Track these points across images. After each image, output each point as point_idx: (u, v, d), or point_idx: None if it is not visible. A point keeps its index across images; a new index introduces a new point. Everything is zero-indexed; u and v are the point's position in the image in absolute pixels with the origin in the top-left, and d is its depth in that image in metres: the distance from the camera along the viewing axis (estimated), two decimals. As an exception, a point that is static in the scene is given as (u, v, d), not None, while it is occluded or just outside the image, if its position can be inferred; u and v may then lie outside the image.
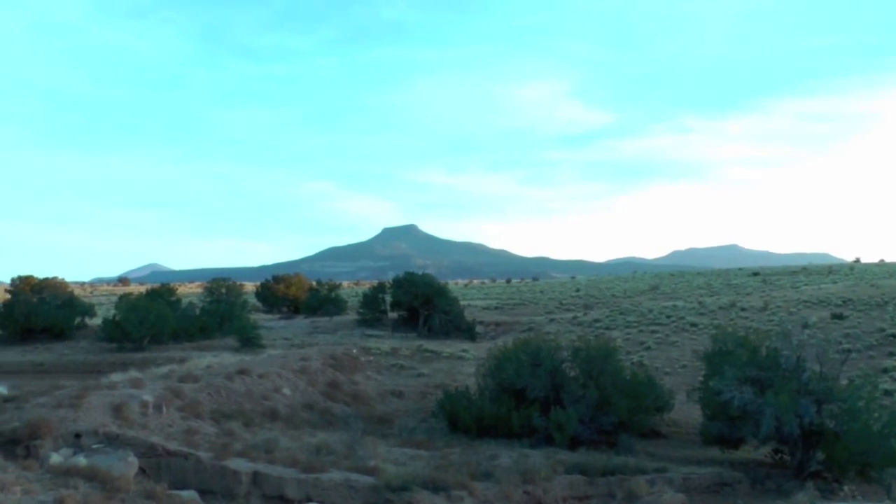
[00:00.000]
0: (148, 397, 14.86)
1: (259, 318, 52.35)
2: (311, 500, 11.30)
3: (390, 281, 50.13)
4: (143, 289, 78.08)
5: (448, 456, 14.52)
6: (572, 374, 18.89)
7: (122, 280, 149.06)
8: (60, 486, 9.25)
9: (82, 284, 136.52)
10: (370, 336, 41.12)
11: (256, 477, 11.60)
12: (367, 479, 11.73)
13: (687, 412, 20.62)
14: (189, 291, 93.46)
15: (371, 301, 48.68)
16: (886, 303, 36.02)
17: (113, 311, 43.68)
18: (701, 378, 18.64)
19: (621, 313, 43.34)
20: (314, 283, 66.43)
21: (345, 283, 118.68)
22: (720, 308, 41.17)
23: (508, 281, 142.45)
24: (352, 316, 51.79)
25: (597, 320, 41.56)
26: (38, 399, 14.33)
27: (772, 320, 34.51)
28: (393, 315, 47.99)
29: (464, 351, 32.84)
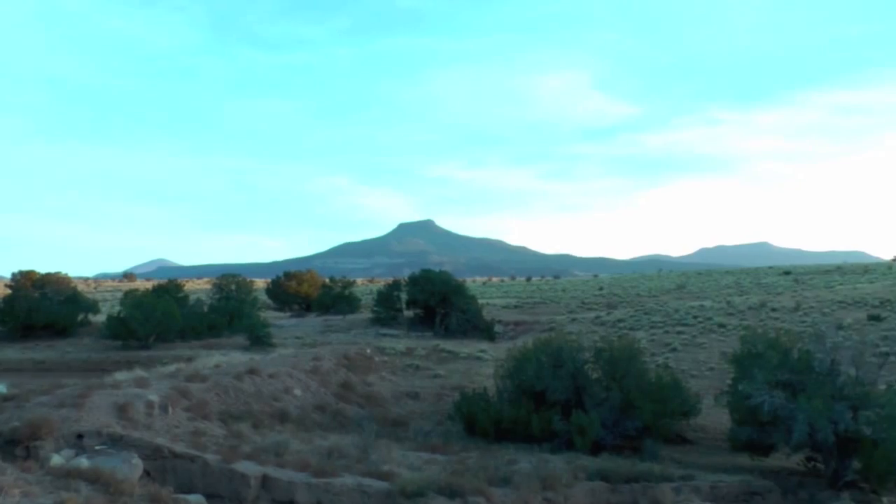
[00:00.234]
0: (153, 397, 14.87)
1: (269, 315, 52.62)
2: (321, 506, 11.26)
3: (406, 278, 50.18)
4: (149, 285, 78.75)
5: (465, 460, 14.44)
6: (595, 376, 18.79)
7: (128, 276, 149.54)
8: (61, 489, 9.21)
9: (86, 280, 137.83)
10: (385, 335, 41.13)
11: (265, 481, 11.57)
12: (380, 485, 11.67)
13: (714, 417, 20.45)
14: (197, 288, 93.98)
15: (386, 299, 48.71)
16: (926, 304, 35.58)
17: (118, 308, 43.97)
18: (729, 381, 18.44)
19: (646, 313, 43.20)
20: (327, 280, 66.60)
21: (359, 281, 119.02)
22: (749, 308, 40.93)
23: (528, 279, 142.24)
24: (366, 314, 51.88)
25: (620, 320, 41.44)
26: (39, 398, 14.31)
27: (804, 322, 34.25)
28: (408, 314, 48.02)
29: (482, 351, 32.80)
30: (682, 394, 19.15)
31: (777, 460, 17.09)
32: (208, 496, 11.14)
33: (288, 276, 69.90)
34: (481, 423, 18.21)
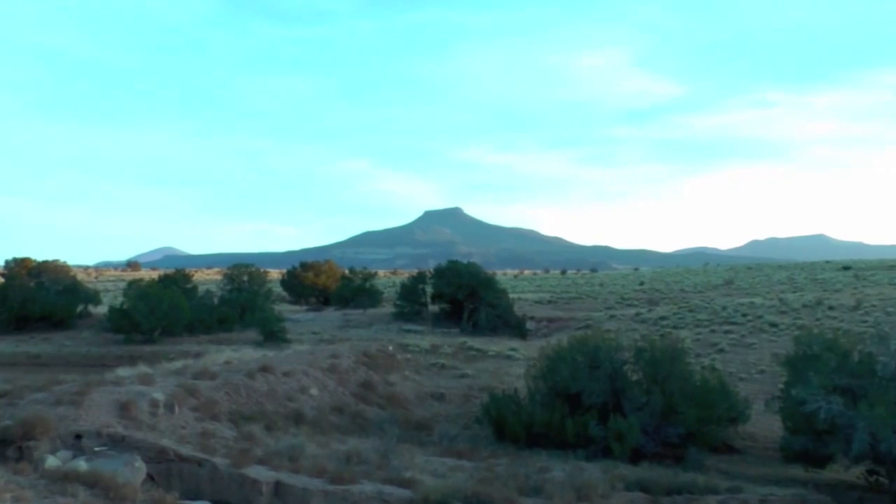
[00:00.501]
0: (158, 395, 14.94)
1: (284, 309, 52.83)
2: (338, 515, 11.24)
3: (431, 270, 50.15)
4: (155, 274, 79.46)
5: (493, 467, 14.38)
6: (634, 377, 18.69)
7: (132, 264, 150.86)
8: (57, 494, 9.20)
9: (86, 269, 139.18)
10: (408, 331, 41.15)
11: (278, 487, 11.56)
12: (402, 493, 11.63)
13: (765, 424, 20.26)
14: (206, 278, 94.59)
15: (410, 292, 48.72)
16: None
17: (120, 299, 44.34)
18: (782, 385, 18.24)
19: (691, 310, 42.96)
20: (346, 272, 66.67)
21: (381, 272, 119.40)
22: (804, 306, 40.58)
23: (563, 272, 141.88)
24: (388, 309, 51.95)
25: (663, 318, 41.27)
26: (34, 395, 14.40)
27: (865, 321, 33.88)
28: (434, 308, 47.99)
29: (512, 350, 32.72)
30: (729, 398, 18.97)
31: (834, 473, 16.87)
32: (216, 503, 11.16)
33: (304, 266, 70.09)
34: (511, 427, 18.15)
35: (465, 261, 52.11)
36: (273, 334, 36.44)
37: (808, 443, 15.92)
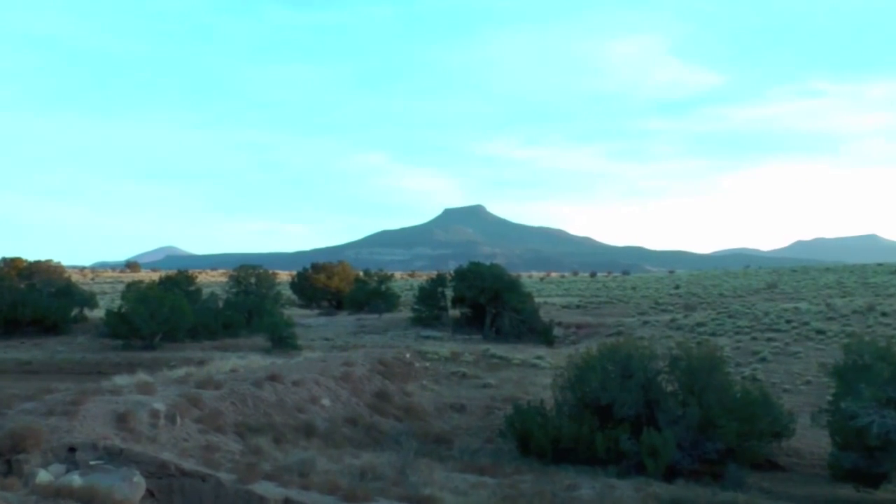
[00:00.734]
0: (159, 406, 14.95)
1: (294, 313, 53.11)
2: (352, 534, 11.21)
3: (452, 272, 50.21)
4: (155, 276, 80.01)
5: (517, 484, 14.33)
6: (669, 388, 18.62)
7: (131, 265, 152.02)
8: (49, 511, 9.24)
9: (82, 269, 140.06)
10: (427, 338, 41.22)
11: (287, 504, 11.55)
12: (419, 511, 11.60)
13: (811, 439, 20.13)
14: (211, 280, 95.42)
15: (428, 296, 48.81)
16: None
17: (118, 302, 44.62)
18: (830, 398, 18.12)
19: (730, 316, 42.87)
20: (361, 274, 66.92)
21: (397, 274, 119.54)
22: (854, 312, 40.35)
23: (593, 275, 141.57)
24: (405, 313, 52.08)
25: (700, 324, 41.17)
26: (25, 404, 14.43)
27: (921, 328, 33.56)
28: (454, 313, 48.05)
29: (538, 358, 32.69)
30: (772, 411, 18.85)
31: (888, 493, 16.70)
32: (221, 520, 11.15)
33: (316, 268, 70.39)
34: (537, 440, 18.08)
35: (487, 262, 52.18)
36: (282, 340, 36.56)
37: (860, 460, 15.77)
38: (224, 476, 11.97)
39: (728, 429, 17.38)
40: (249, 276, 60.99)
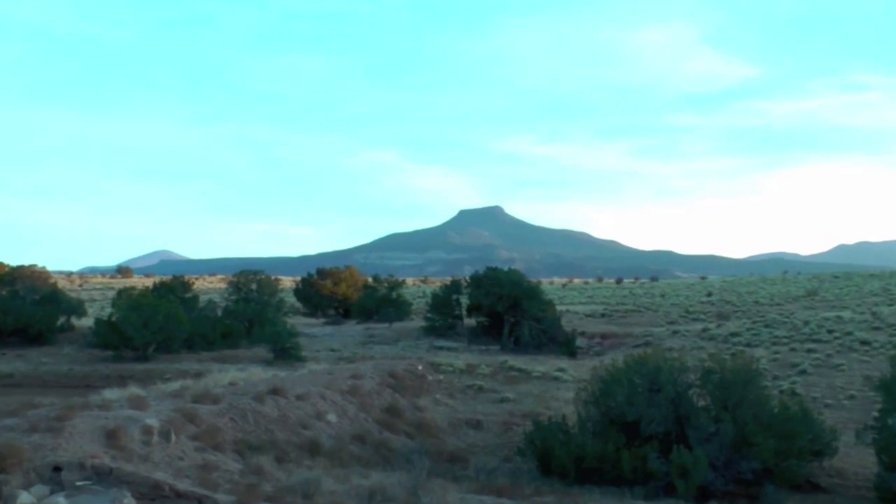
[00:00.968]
0: (152, 421, 14.98)
1: (298, 322, 53.18)
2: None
3: (467, 278, 50.24)
4: (149, 282, 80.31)
5: (537, 506, 14.31)
6: (701, 403, 18.55)
7: (123, 270, 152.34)
8: (31, 535, 9.26)
9: (69, 275, 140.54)
10: (440, 348, 41.24)
11: (290, 527, 11.57)
12: (431, 535, 11.60)
13: (856, 458, 20.00)
14: (209, 287, 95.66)
15: (442, 304, 48.82)
16: None
17: (109, 310, 44.71)
18: (876, 413, 18.03)
19: (767, 326, 42.75)
20: (370, 280, 66.98)
21: (409, 280, 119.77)
22: (902, 321, 40.05)
23: (619, 281, 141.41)
24: (417, 322, 52.11)
25: (734, 334, 41.09)
26: (6, 420, 14.47)
27: (974, 338, 33.39)
28: (470, 322, 48.05)
29: (560, 370, 32.65)
30: (813, 428, 18.75)
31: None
32: (219, 545, 11.17)
33: (322, 273, 70.54)
34: (559, 459, 18.06)
35: (505, 267, 52.15)
36: (285, 351, 36.62)
37: (908, 481, 15.70)
38: (222, 497, 11.99)
39: (765, 447, 17.31)
40: (250, 282, 61.08)
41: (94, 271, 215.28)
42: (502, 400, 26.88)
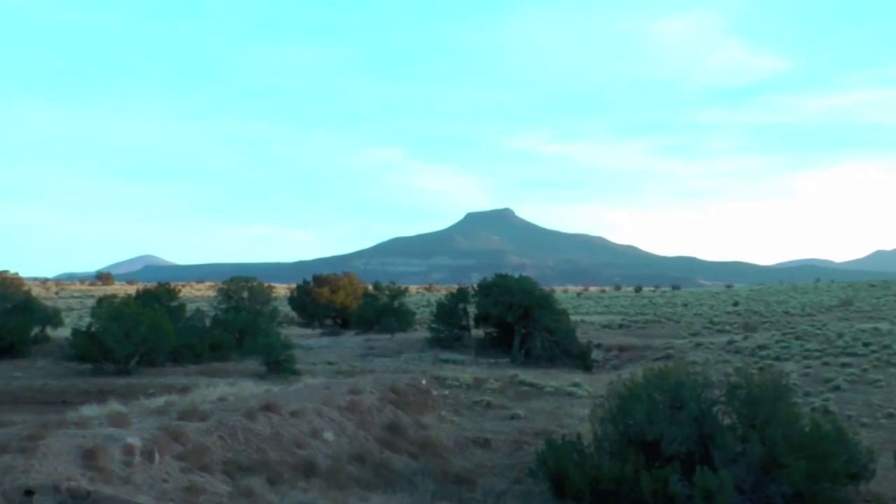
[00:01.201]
0: (134, 440, 14.94)
1: (293, 333, 53.24)
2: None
3: (475, 286, 50.24)
4: (132, 289, 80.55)
5: (549, 532, 14.31)
6: (727, 421, 18.49)
7: (103, 276, 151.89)
8: (1, 565, 9.26)
9: (45, 282, 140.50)
10: (446, 361, 41.25)
11: (283, 554, 11.56)
12: (435, 562, 11.58)
13: (894, 481, 19.93)
14: (196, 294, 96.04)
15: (448, 313, 48.84)
16: None
17: (88, 320, 44.73)
18: (916, 433, 17.99)
19: (798, 338, 42.75)
20: (370, 287, 67.08)
21: (413, 288, 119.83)
22: (944, 333, 40.02)
23: (638, 289, 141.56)
24: (421, 333, 52.18)
25: (762, 347, 41.06)
26: (-28, 440, 14.47)
27: None
28: (478, 333, 48.06)
29: (574, 385, 32.59)
30: (848, 448, 18.69)
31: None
32: (207, 573, 11.16)
33: (318, 280, 70.60)
34: (573, 481, 18.02)
35: (516, 274, 52.18)
36: (279, 364, 36.64)
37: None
38: (211, 521, 12.00)
39: (795, 469, 17.27)
40: (241, 289, 61.25)
41: (71, 278, 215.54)
42: (512, 417, 26.85)
